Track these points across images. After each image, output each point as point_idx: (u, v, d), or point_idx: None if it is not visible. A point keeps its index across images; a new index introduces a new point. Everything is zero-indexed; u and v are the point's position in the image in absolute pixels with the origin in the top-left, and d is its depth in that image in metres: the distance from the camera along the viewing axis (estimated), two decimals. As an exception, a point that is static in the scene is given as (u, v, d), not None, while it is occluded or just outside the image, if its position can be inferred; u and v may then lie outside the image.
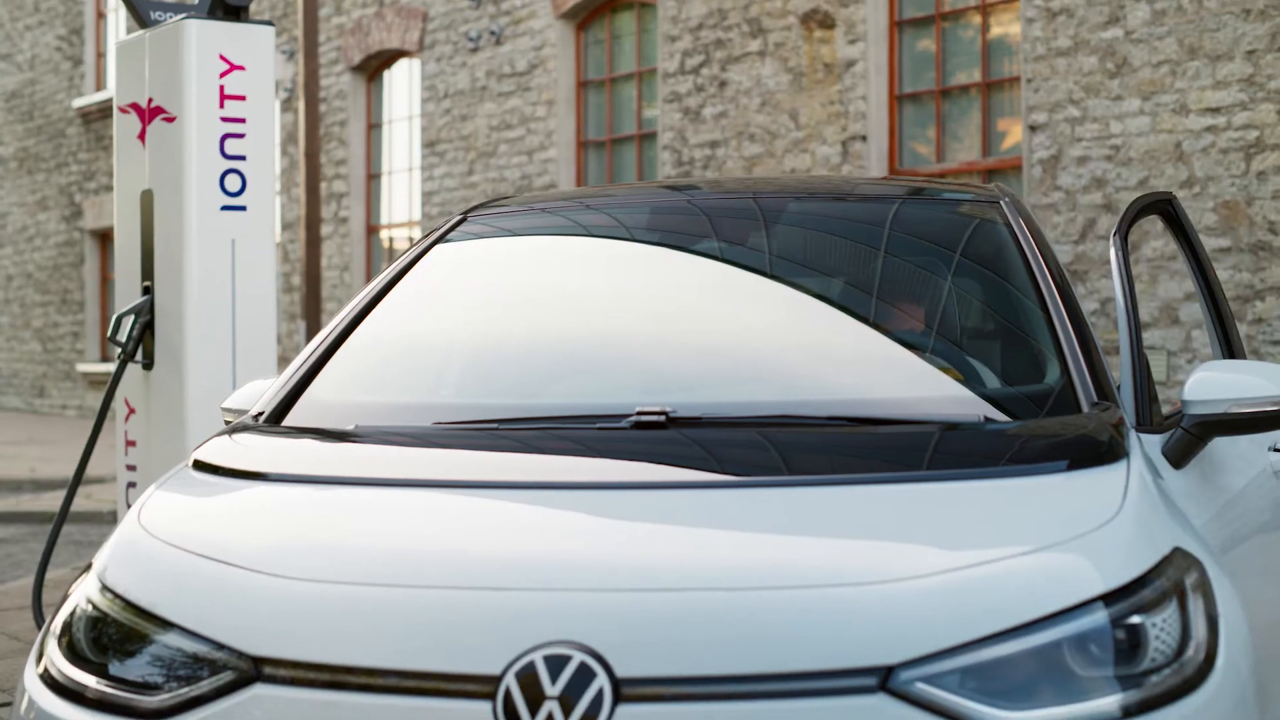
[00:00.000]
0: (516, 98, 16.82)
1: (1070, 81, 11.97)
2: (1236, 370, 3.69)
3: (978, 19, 13.04)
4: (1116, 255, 3.97)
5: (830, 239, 4.38)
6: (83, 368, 24.47)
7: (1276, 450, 4.21)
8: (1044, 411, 3.51)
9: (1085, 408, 3.48)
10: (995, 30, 12.94)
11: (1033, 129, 12.21)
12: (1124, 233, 4.08)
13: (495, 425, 3.58)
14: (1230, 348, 4.72)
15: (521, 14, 16.77)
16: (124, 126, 7.34)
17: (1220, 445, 3.91)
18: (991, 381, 3.80)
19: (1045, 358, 3.74)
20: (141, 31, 7.37)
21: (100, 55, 24.93)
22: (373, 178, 19.25)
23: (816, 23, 13.79)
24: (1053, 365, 3.69)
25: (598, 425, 3.47)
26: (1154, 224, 11.43)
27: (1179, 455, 3.67)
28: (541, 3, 16.53)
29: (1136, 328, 3.83)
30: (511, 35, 16.88)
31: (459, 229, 4.48)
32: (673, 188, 4.88)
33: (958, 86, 13.17)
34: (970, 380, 3.77)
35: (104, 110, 23.88)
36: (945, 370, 3.82)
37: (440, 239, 4.41)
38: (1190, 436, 3.66)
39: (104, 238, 24.56)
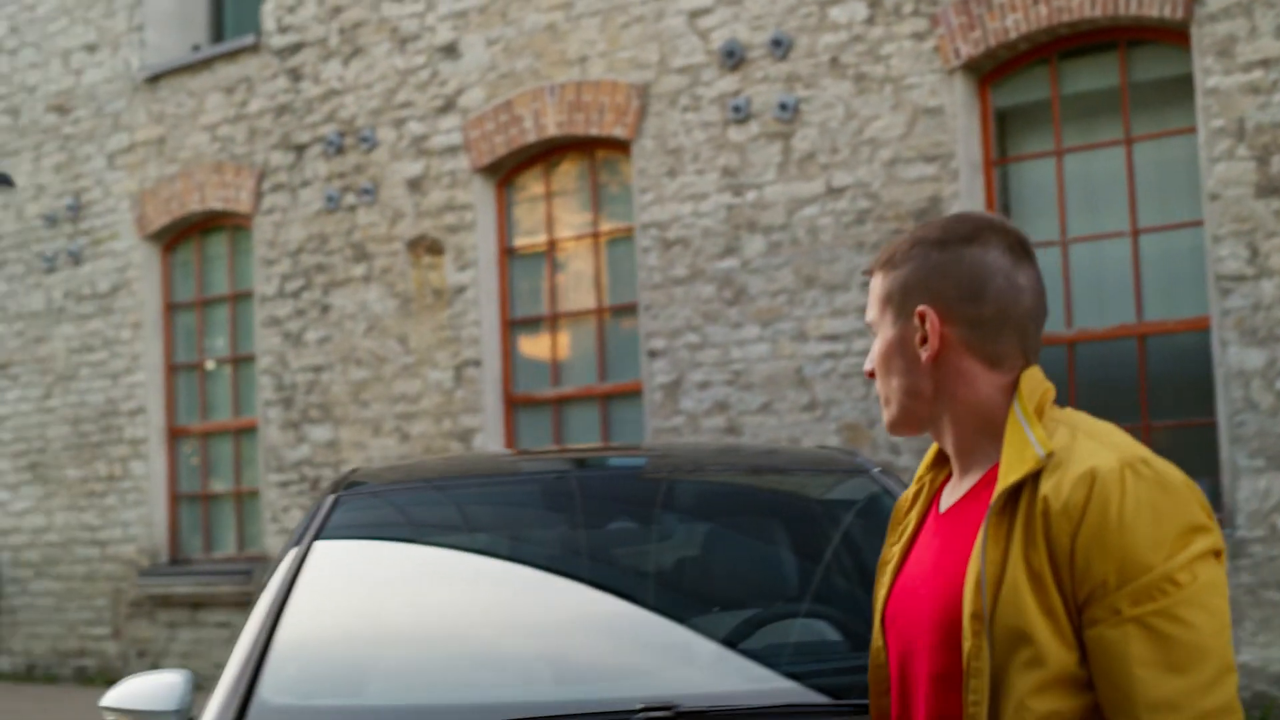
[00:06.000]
0: (98, 320, 16.37)
1: (689, 309, 12.34)
2: None
3: (589, 245, 13.34)
4: None
5: (736, 519, 4.43)
6: None
7: None
8: None
9: None
10: (611, 258, 13.25)
11: (652, 355, 12.52)
12: None
13: None
14: None
15: (102, 234, 16.39)
16: None
17: None
18: None
19: None
20: None
21: None
22: (-71, 400, 18.41)
23: (424, 249, 13.89)
24: None
25: None
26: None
27: None
28: (125, 224, 16.19)
29: None
30: (92, 256, 16.46)
31: (335, 514, 4.39)
32: (554, 459, 4.87)
33: (571, 312, 13.42)
34: None
35: None
36: None
37: (320, 530, 4.32)
38: None
39: None
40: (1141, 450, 2.47)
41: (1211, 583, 2.39)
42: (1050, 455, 2.46)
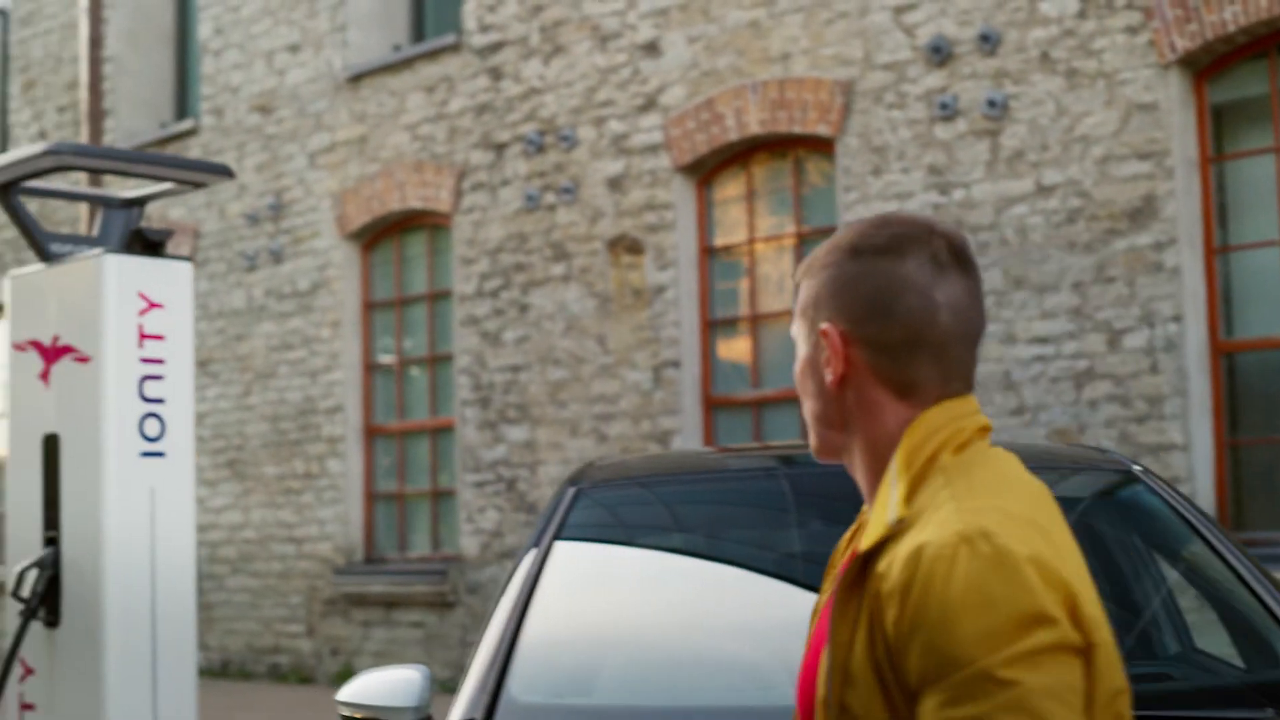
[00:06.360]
0: (298, 318, 16.48)
1: (893, 310, 12.09)
2: None
3: (791, 245, 13.16)
4: None
5: None
6: None
7: None
8: None
9: None
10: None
11: (855, 357, 12.29)
12: None
13: None
14: None
15: (303, 233, 16.50)
16: (21, 365, 6.90)
17: None
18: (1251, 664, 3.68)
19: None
20: (38, 266, 6.98)
21: None
22: (132, 397, 18.64)
23: (624, 248, 13.78)
24: None
25: None
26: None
27: None
28: (326, 222, 16.28)
29: None
30: (292, 255, 16.58)
31: (574, 512, 4.33)
32: (771, 456, 4.78)
33: (771, 313, 13.25)
34: (1229, 666, 3.66)
35: None
36: (1202, 658, 3.71)
37: (560, 528, 4.27)
38: None
39: None
40: (996, 521, 2.03)
41: (1049, 687, 1.94)
42: (901, 521, 2.09)
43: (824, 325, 2.25)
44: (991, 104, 11.72)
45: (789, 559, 4.26)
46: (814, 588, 4.15)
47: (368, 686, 3.93)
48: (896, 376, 2.20)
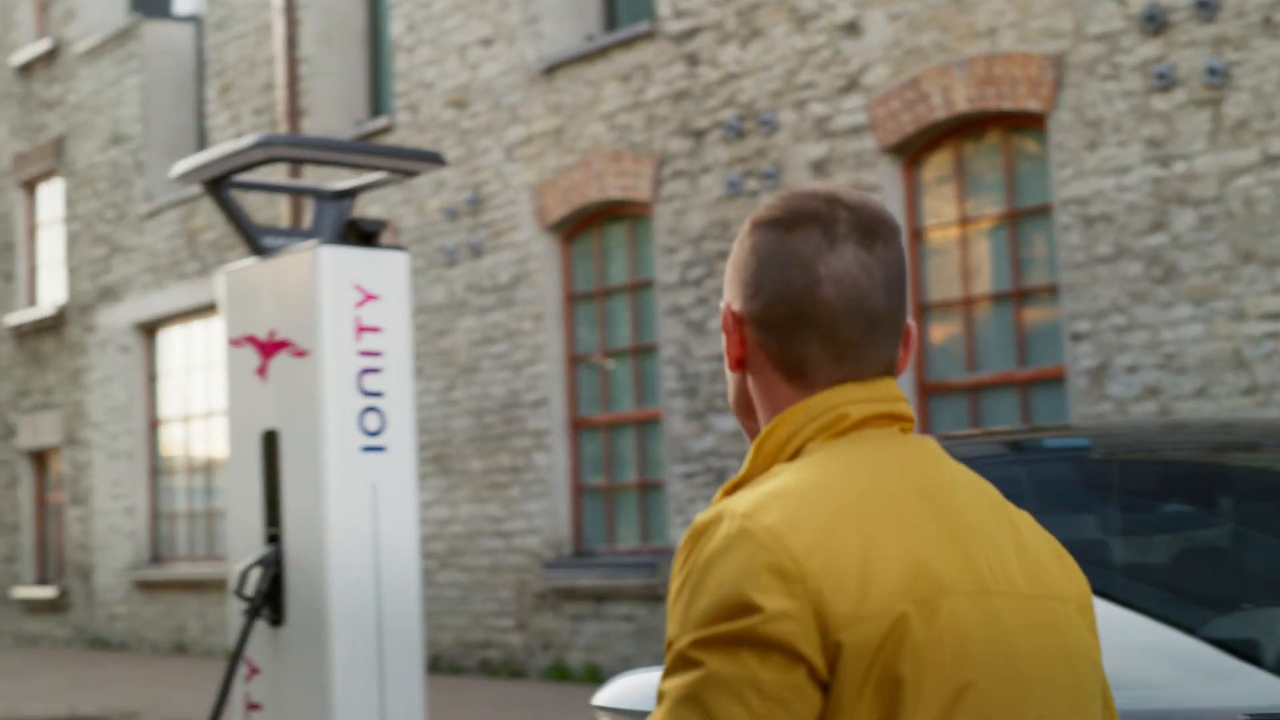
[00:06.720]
0: (499, 312, 16.40)
1: (1114, 289, 11.72)
2: None
3: (1003, 224, 12.81)
4: None
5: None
6: (19, 593, 23.59)
7: None
8: None
9: None
10: (1026, 236, 12.70)
11: (1075, 338, 11.93)
12: None
13: None
14: None
15: (503, 226, 16.41)
16: (238, 361, 6.81)
17: None
18: None
19: None
20: (251, 260, 6.89)
21: (33, 270, 24.31)
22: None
23: (830, 232, 13.50)
24: None
25: None
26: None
27: None
28: (525, 215, 16.18)
29: None
30: (492, 248, 16.50)
31: None
32: (990, 442, 4.41)
33: (988, 295, 12.89)
34: None
35: (39, 327, 23.30)
36: None
37: None
38: None
39: (39, 458, 23.79)
40: (763, 503, 1.88)
41: (728, 680, 1.79)
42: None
43: (723, 305, 2.12)
44: (1212, 72, 11.28)
45: None
46: None
47: (627, 689, 3.73)
48: (784, 357, 2.06)
